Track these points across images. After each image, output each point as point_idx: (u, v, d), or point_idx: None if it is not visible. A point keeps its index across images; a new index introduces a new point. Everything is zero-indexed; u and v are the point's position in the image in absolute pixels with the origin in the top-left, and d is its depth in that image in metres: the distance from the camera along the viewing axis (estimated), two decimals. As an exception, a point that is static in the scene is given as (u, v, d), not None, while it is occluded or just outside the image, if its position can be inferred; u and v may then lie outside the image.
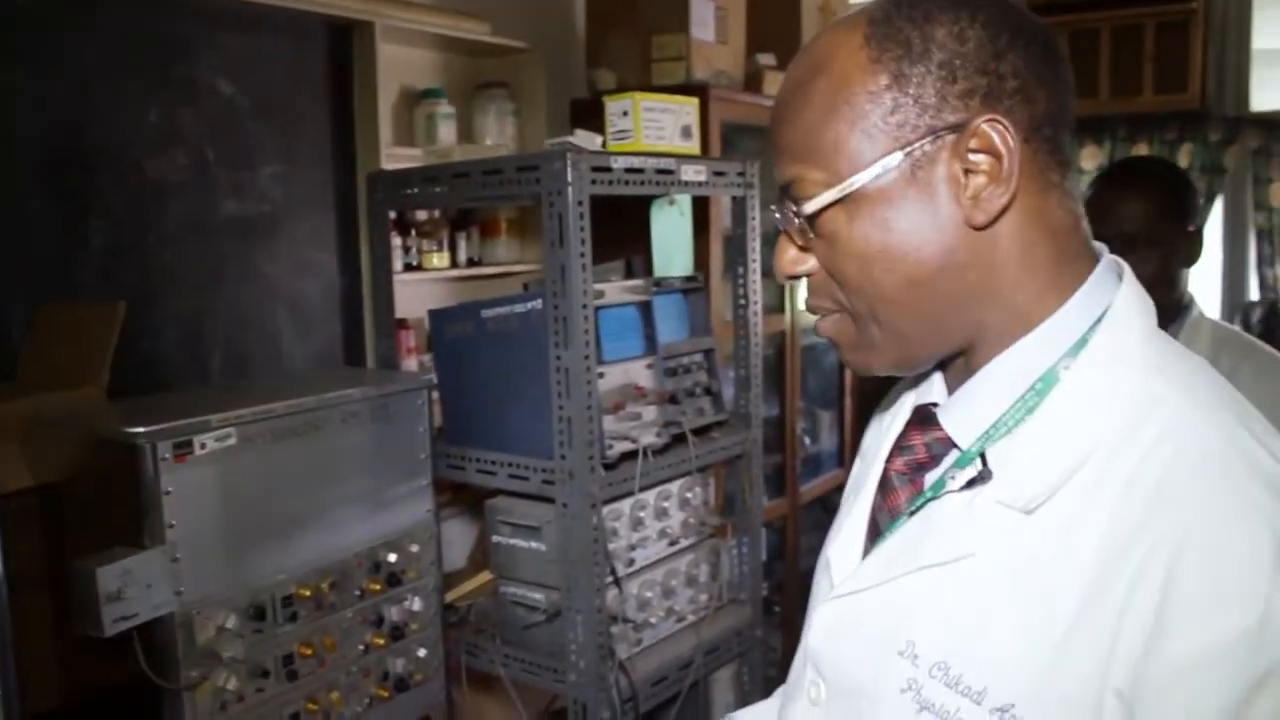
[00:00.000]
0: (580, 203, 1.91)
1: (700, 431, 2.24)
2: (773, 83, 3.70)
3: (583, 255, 1.93)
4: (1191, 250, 1.89)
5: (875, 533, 0.95)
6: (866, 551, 0.95)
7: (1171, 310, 1.89)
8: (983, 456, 0.85)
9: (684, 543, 2.27)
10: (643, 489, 2.10)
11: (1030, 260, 0.84)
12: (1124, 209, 1.86)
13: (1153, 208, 1.84)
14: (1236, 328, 1.95)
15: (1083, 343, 0.83)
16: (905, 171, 0.82)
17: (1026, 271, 0.84)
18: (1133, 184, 1.89)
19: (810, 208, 0.85)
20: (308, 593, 1.84)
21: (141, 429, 1.62)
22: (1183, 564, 0.71)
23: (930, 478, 0.91)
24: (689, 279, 2.28)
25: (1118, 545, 0.74)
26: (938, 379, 0.96)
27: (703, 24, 3.38)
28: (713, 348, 2.32)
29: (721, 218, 3.42)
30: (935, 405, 0.93)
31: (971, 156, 0.82)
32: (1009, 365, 0.86)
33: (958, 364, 0.92)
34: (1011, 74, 0.82)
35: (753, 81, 3.66)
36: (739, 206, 2.36)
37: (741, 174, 2.32)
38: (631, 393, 2.08)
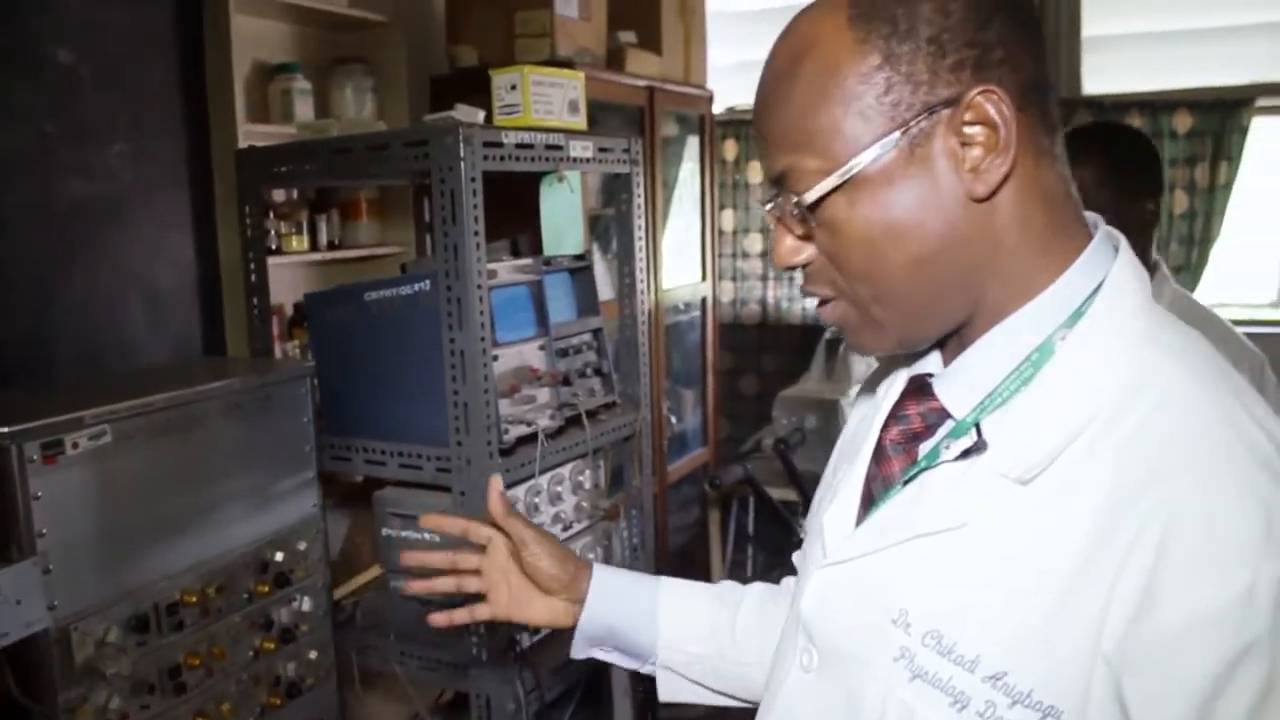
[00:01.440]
0: (473, 179, 1.84)
1: (591, 413, 2.20)
2: (635, 60, 3.67)
3: (477, 234, 1.86)
4: (1140, 217, 1.92)
5: (869, 501, 0.95)
6: (860, 520, 0.95)
7: None
8: (978, 427, 0.85)
9: (577, 527, 2.23)
10: (538, 474, 2.05)
11: (1028, 229, 0.84)
12: None
13: (1093, 174, 1.87)
14: (1195, 297, 1.99)
15: (1079, 314, 0.83)
16: (904, 150, 0.81)
17: (1025, 241, 0.84)
18: (1075, 151, 1.91)
19: (811, 196, 0.84)
20: (193, 599, 1.73)
21: (4, 429, 1.48)
22: (1175, 534, 0.71)
23: (924, 448, 0.91)
24: (578, 257, 2.22)
25: (1111, 515, 0.74)
26: (935, 352, 0.96)
27: (566, 0, 3.32)
28: (601, 327, 2.27)
29: (588, 197, 3.39)
30: (930, 376, 0.93)
31: (967, 129, 0.81)
32: (1005, 336, 0.85)
33: (951, 337, 0.91)
34: (998, 43, 0.81)
35: (615, 59, 3.62)
36: (623, 183, 2.32)
37: (626, 150, 2.28)
38: (526, 375, 2.03)
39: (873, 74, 0.81)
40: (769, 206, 0.90)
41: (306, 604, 1.96)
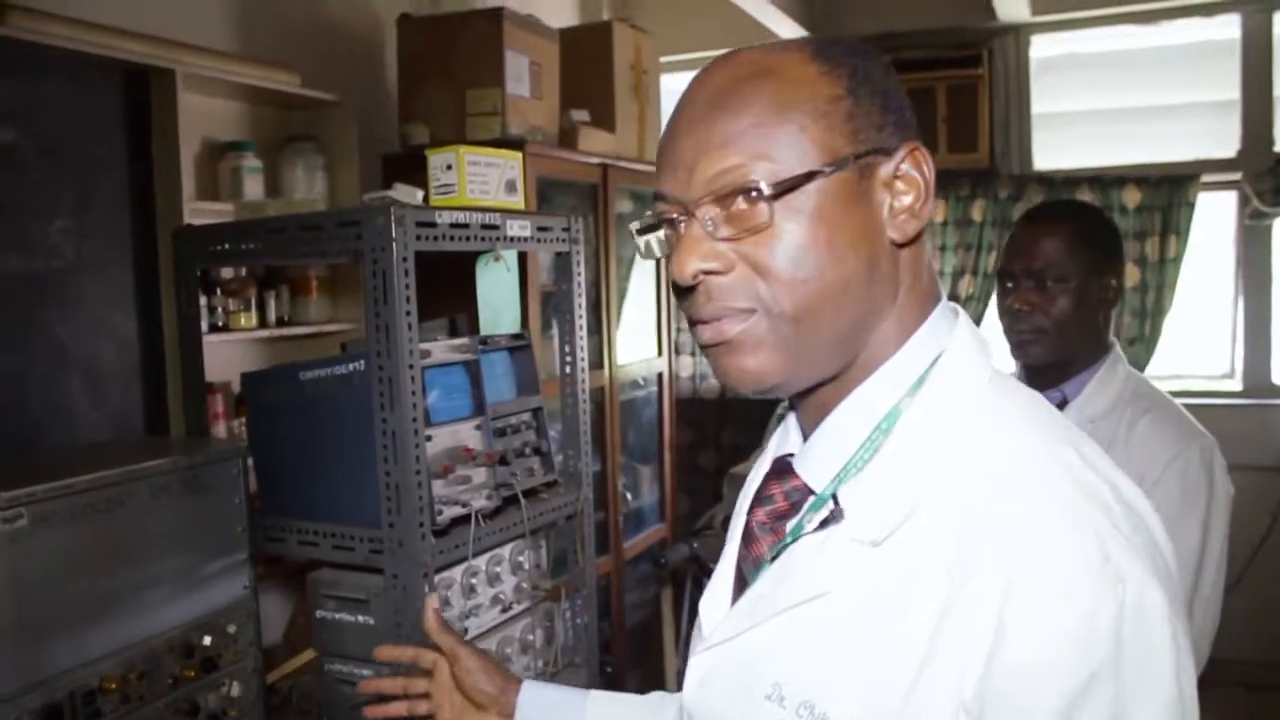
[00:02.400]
0: (405, 259, 1.84)
1: (530, 493, 2.18)
2: (588, 138, 3.72)
3: (408, 314, 1.85)
4: (1104, 293, 1.95)
5: (742, 583, 0.97)
6: (735, 601, 0.96)
7: (1091, 352, 1.96)
8: (834, 497, 0.88)
9: (517, 608, 2.20)
10: (475, 554, 2.02)
11: (915, 288, 0.91)
12: (1034, 247, 1.93)
13: (1062, 247, 1.91)
14: (1149, 380, 2.02)
15: (921, 381, 0.88)
16: (855, 176, 0.86)
17: (910, 297, 0.90)
18: (1045, 224, 1.96)
19: (773, 190, 0.84)
20: (113, 685, 1.68)
21: (-84, 513, 1.46)
22: (1017, 576, 0.75)
23: (789, 525, 0.93)
24: (515, 336, 2.22)
25: (961, 568, 0.78)
26: (794, 430, 0.99)
27: (517, 79, 3.36)
28: (540, 406, 2.26)
29: (539, 274, 3.40)
30: (791, 455, 0.96)
31: (899, 181, 0.88)
32: (855, 407, 0.89)
33: (814, 406, 0.93)
34: (911, 122, 0.91)
35: (567, 138, 3.66)
36: (563, 262, 2.33)
37: (566, 229, 2.29)
38: (461, 455, 2.01)
39: (839, 100, 0.86)
40: (676, 213, 0.89)
41: (236, 689, 1.91)
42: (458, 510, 1.97)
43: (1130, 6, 4.70)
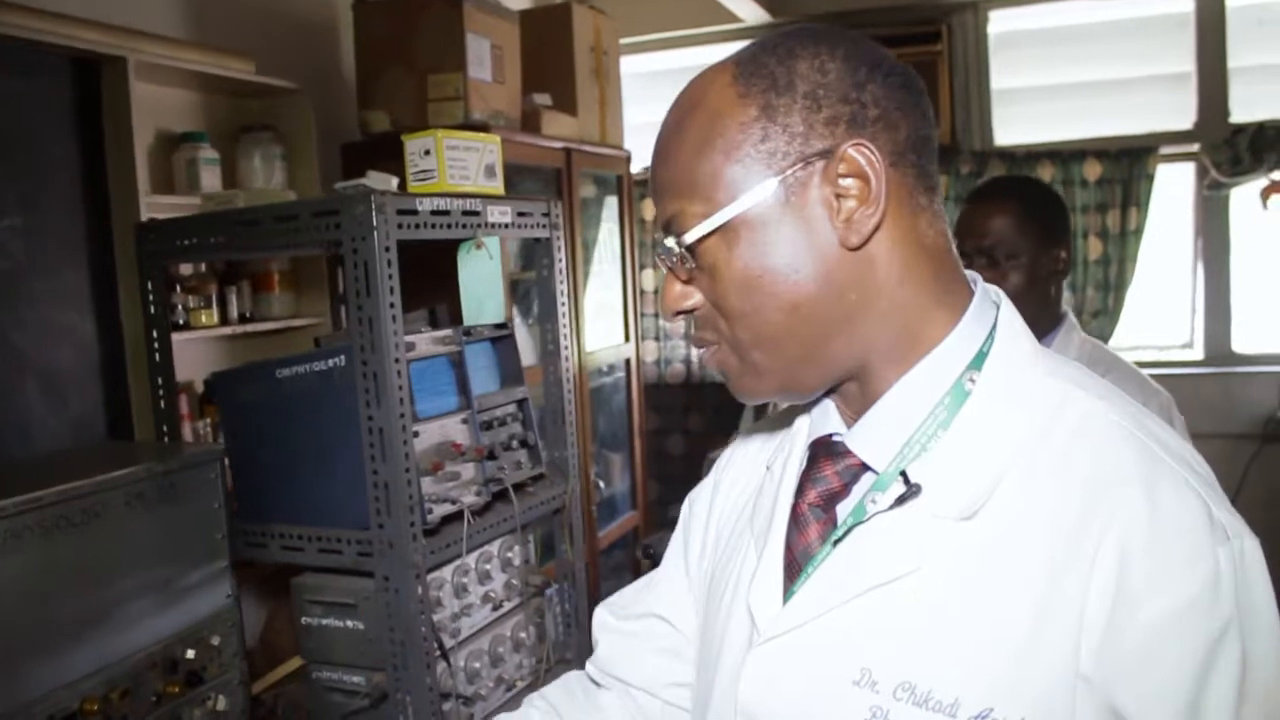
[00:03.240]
0: (387, 248, 1.77)
1: (518, 486, 2.12)
2: (551, 122, 3.64)
3: (392, 305, 1.78)
4: (1054, 265, 1.97)
5: (794, 571, 0.93)
6: (788, 590, 0.92)
7: (1045, 323, 1.99)
8: (904, 475, 0.86)
9: (508, 605, 2.13)
10: (466, 552, 1.96)
11: (912, 279, 0.88)
12: (984, 224, 1.97)
13: (1011, 223, 1.93)
14: (1102, 344, 2.06)
15: (982, 355, 0.87)
16: (780, 198, 0.85)
17: (910, 290, 0.88)
18: (993, 201, 2.00)
19: (690, 238, 0.87)
20: (94, 706, 1.60)
21: (-120, 533, 1.36)
22: (1131, 543, 0.75)
23: (844, 507, 0.91)
24: (498, 326, 2.15)
25: (1064, 535, 0.78)
26: (832, 410, 0.96)
27: (479, 63, 3.27)
28: (526, 397, 2.20)
29: (508, 262, 3.32)
30: (834, 435, 0.94)
31: (842, 181, 0.85)
32: (915, 384, 0.88)
33: (851, 390, 0.92)
34: (873, 103, 0.86)
35: (530, 122, 3.58)
36: (544, 248, 2.26)
37: (546, 214, 2.23)
38: (449, 450, 1.94)
39: (751, 124, 0.85)
40: (660, 254, 0.92)
41: (222, 702, 1.84)
42: (448, 508, 1.90)
43: (1086, -20, 4.70)
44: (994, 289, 0.95)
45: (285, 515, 1.95)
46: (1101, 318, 4.59)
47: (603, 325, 4.17)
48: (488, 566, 2.06)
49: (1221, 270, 4.72)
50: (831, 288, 0.86)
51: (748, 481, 1.09)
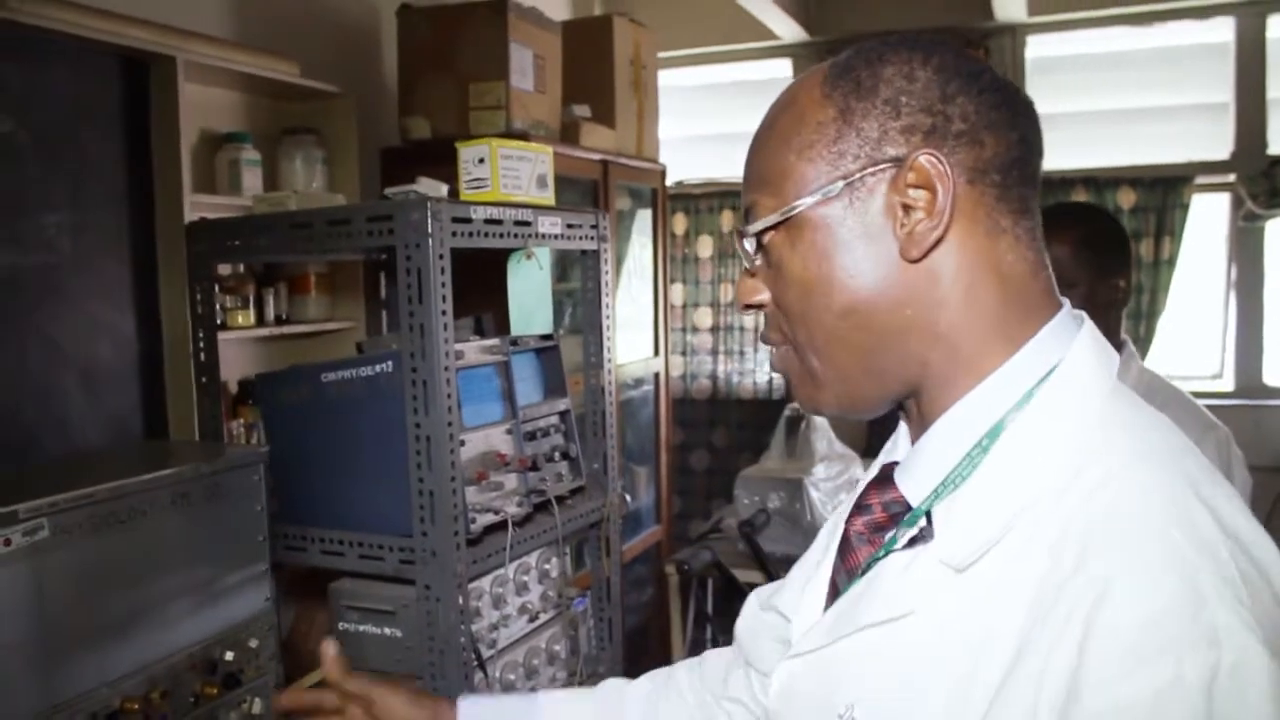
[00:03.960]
0: (441, 256, 1.76)
1: (559, 499, 2.10)
2: (589, 134, 3.64)
3: (444, 313, 1.77)
4: (1113, 295, 1.95)
5: (834, 593, 0.94)
6: (825, 611, 0.94)
7: None
8: (928, 514, 0.84)
9: (543, 617, 2.12)
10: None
11: (974, 302, 0.84)
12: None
13: (1069, 251, 1.90)
14: (1163, 375, 2.03)
15: (1029, 396, 0.82)
16: (845, 200, 0.84)
17: (970, 314, 0.84)
18: (1053, 229, 1.94)
19: (754, 228, 0.88)
20: (135, 706, 1.59)
21: (-68, 525, 1.36)
22: (1100, 618, 0.67)
23: (887, 538, 0.90)
24: (544, 337, 2.14)
25: (1044, 601, 0.72)
26: (903, 437, 0.95)
27: (522, 72, 3.27)
28: (568, 409, 2.19)
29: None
30: (896, 464, 0.93)
31: (910, 192, 0.83)
32: (957, 419, 0.85)
33: (914, 415, 0.91)
34: (959, 117, 0.83)
35: (569, 133, 3.58)
36: (590, 260, 2.26)
37: (594, 226, 2.22)
38: (494, 460, 1.93)
39: (826, 125, 0.85)
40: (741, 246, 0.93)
41: (258, 706, 1.82)
42: (490, 518, 1.89)
43: (1126, 8, 4.68)
44: (1081, 315, 0.89)
45: (325, 519, 1.94)
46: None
47: (632, 338, 4.17)
48: (525, 578, 2.05)
49: (1254, 302, 4.69)
50: (887, 298, 0.84)
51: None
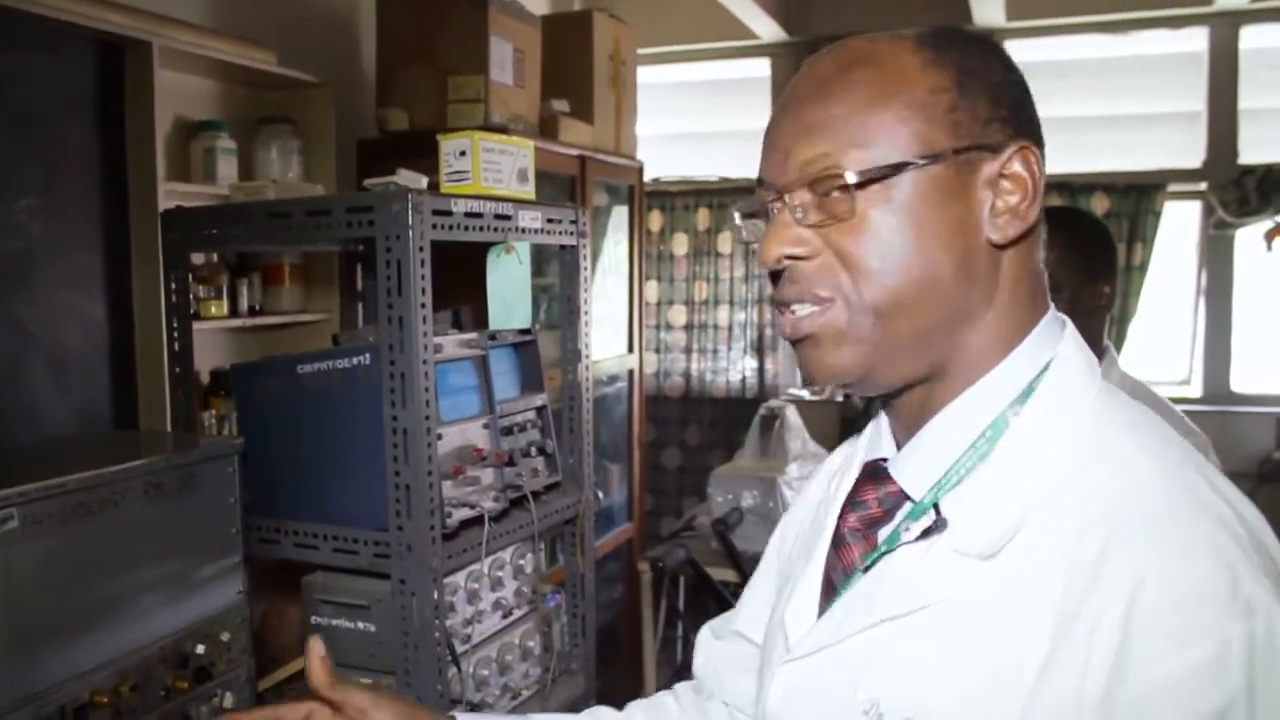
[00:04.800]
0: (421, 248, 1.75)
1: (535, 494, 2.09)
2: (567, 130, 3.63)
3: (424, 306, 1.76)
4: (1097, 300, 1.95)
5: (830, 591, 0.93)
6: (822, 610, 0.92)
7: None
8: (936, 506, 0.85)
9: (517, 613, 2.11)
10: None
11: (1013, 298, 0.87)
12: None
13: (1054, 255, 1.89)
14: (1141, 380, 2.04)
15: (1029, 391, 0.85)
16: (952, 170, 0.84)
17: (1007, 308, 0.87)
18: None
19: (856, 177, 0.83)
20: (104, 699, 1.57)
21: (-100, 513, 1.33)
22: (1140, 601, 0.71)
23: (883, 533, 0.90)
24: (522, 332, 2.13)
25: (1078, 587, 0.75)
26: (886, 434, 0.96)
27: (501, 66, 3.26)
28: (545, 405, 2.18)
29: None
30: (884, 460, 0.93)
31: (1004, 180, 0.85)
32: (958, 414, 0.87)
33: (909, 403, 0.91)
34: (1028, 119, 0.87)
35: (547, 127, 3.57)
36: (569, 255, 2.25)
37: (574, 221, 2.21)
38: (470, 455, 1.92)
39: (942, 91, 0.84)
40: (771, 198, 0.88)
41: (229, 699, 1.80)
42: (467, 512, 1.88)
43: (1101, 16, 4.73)
44: (1062, 324, 0.92)
45: (299, 512, 1.93)
46: (1104, 351, 4.60)
47: (605, 335, 4.16)
48: (500, 573, 2.04)
49: (1223, 309, 4.75)
50: (964, 276, 0.84)
51: (817, 499, 1.08)
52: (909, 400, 0.90)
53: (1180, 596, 0.71)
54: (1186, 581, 0.71)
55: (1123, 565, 0.73)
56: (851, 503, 0.94)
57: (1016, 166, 0.84)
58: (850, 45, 0.89)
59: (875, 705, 0.82)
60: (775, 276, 0.89)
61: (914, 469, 0.89)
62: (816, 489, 1.09)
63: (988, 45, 0.89)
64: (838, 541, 0.94)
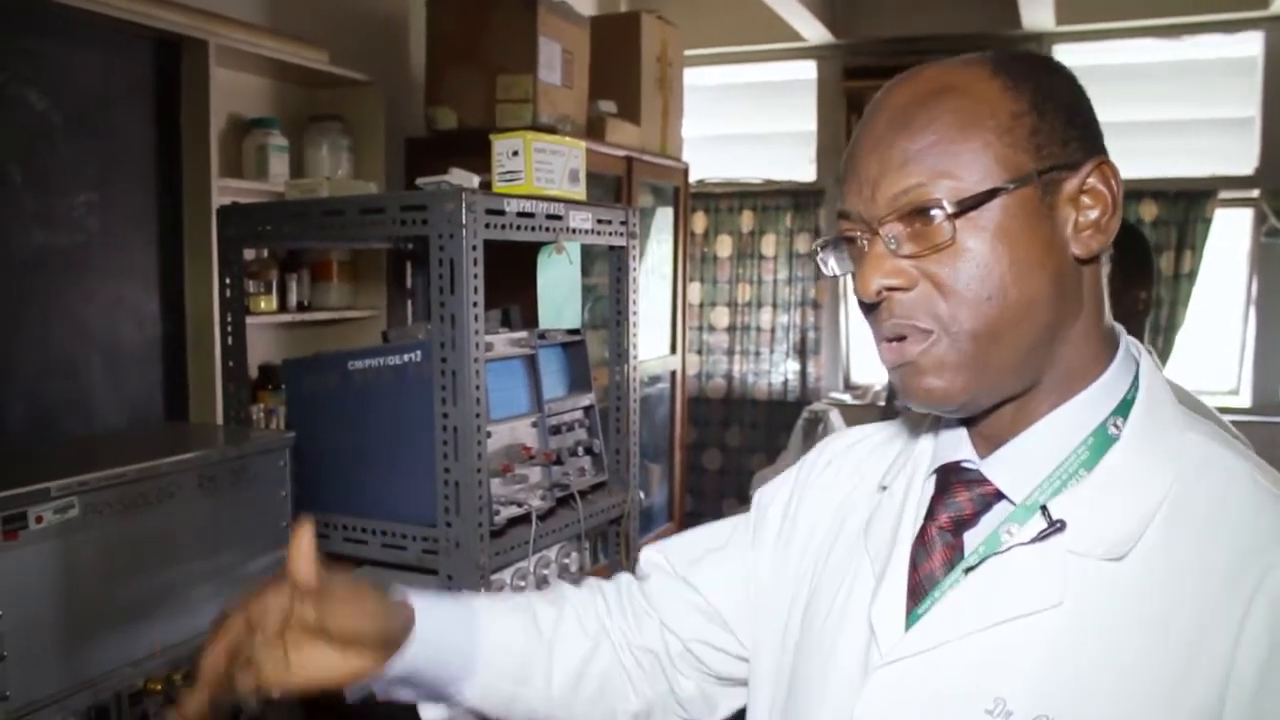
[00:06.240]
0: (474, 247, 1.76)
1: (581, 493, 2.10)
2: (614, 130, 3.63)
3: (476, 304, 1.77)
4: (1134, 307, 1.96)
5: (919, 595, 0.92)
6: (910, 613, 0.91)
7: None
8: (1044, 509, 0.86)
9: (561, 612, 2.11)
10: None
11: (1096, 309, 0.89)
12: None
13: None
14: (1185, 388, 2.03)
15: (1127, 403, 0.87)
16: (1038, 191, 0.85)
17: (1093, 321, 0.89)
18: None
19: (954, 207, 0.84)
20: (158, 687, 1.60)
21: (-37, 500, 1.36)
22: None
23: (973, 535, 0.91)
24: (570, 331, 2.14)
25: (1213, 589, 0.77)
26: (964, 437, 0.95)
27: (550, 66, 3.27)
28: (592, 404, 2.19)
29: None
30: (965, 462, 0.93)
31: (1084, 196, 0.86)
32: (1064, 420, 0.88)
33: (1000, 417, 0.91)
34: (1097, 134, 0.89)
35: (594, 128, 3.58)
36: (618, 255, 2.25)
37: (624, 222, 2.22)
38: (519, 453, 1.93)
39: (1023, 115, 0.85)
40: (860, 230, 0.89)
41: (275, 692, 1.82)
42: (514, 510, 1.89)
43: (1153, 20, 4.67)
44: (1134, 342, 0.94)
45: (349, 507, 1.94)
46: (1151, 359, 4.55)
47: (649, 336, 4.16)
48: (545, 571, 2.05)
49: (1274, 318, 4.67)
50: (1056, 293, 0.86)
51: (848, 501, 1.06)
52: (1003, 412, 0.91)
53: None
54: None
55: (1260, 571, 0.76)
56: (944, 502, 0.94)
57: (1096, 181, 0.86)
58: (926, 74, 0.90)
59: (1002, 704, 0.83)
60: (869, 309, 0.90)
61: (1015, 471, 0.89)
62: (843, 494, 1.07)
63: (1055, 66, 0.91)
64: (925, 544, 0.93)
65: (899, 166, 0.86)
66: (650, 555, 1.21)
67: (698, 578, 1.15)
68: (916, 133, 0.86)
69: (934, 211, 0.84)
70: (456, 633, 1.09)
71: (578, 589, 1.22)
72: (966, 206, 0.84)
